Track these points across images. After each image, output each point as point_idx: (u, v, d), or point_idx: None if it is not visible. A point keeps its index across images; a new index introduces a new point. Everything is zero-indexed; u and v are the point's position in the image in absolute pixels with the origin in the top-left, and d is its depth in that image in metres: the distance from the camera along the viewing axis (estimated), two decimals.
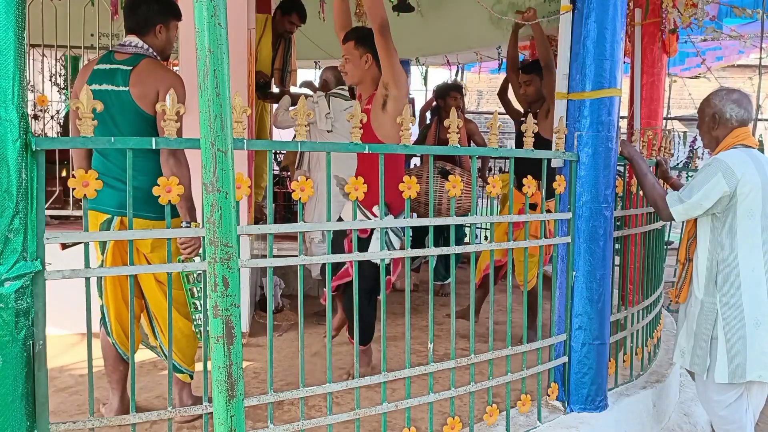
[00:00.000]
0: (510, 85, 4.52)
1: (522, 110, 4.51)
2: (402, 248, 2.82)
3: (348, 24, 3.16)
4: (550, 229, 2.73)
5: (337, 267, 2.99)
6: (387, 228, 2.84)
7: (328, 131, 4.18)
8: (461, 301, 4.32)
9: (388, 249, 2.82)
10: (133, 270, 1.89)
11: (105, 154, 2.47)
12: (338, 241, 3.00)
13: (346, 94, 4.33)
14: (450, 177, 2.30)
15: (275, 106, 4.72)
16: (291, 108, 4.65)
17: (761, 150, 2.58)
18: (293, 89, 5.37)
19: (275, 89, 5.18)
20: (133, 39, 2.54)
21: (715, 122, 2.54)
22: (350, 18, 3.18)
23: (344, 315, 3.30)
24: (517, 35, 4.50)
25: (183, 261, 2.43)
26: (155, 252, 2.50)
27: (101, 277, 2.50)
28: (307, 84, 6.22)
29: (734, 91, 2.58)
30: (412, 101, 5.91)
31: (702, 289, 2.51)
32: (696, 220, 2.55)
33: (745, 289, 2.40)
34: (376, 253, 2.25)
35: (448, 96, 4.87)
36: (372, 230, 2.89)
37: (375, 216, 2.84)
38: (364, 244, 2.86)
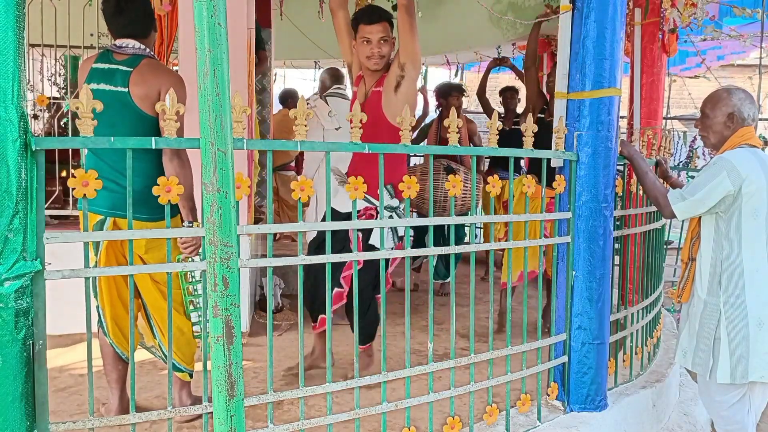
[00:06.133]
0: (524, 79, 4.51)
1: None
2: (402, 238, 2.78)
3: (346, 1, 2.98)
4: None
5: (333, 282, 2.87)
6: (392, 213, 2.75)
7: (336, 129, 4.17)
8: (461, 300, 4.33)
9: (393, 235, 2.77)
10: (132, 270, 1.89)
11: (98, 154, 2.45)
12: (339, 235, 2.75)
13: (345, 92, 4.34)
14: (450, 177, 2.30)
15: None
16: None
17: (764, 149, 2.57)
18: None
19: None
20: (130, 41, 2.52)
21: (733, 121, 2.49)
22: None
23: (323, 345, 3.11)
24: (540, 29, 4.45)
25: (183, 260, 2.43)
26: (150, 253, 2.49)
27: (96, 278, 2.50)
28: (289, 93, 6.39)
29: (742, 89, 2.56)
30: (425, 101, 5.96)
31: (705, 288, 2.50)
32: (699, 219, 2.55)
33: (748, 289, 2.40)
34: (377, 252, 2.25)
35: (450, 96, 4.89)
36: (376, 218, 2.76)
37: (376, 200, 2.74)
38: (366, 233, 2.76)
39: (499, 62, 5.49)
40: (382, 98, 2.81)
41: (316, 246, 2.87)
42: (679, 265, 2.71)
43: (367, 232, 2.79)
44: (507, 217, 2.65)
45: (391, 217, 2.77)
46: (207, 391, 1.98)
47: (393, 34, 2.86)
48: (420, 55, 2.81)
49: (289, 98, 6.43)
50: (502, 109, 5.24)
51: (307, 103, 4.23)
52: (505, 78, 9.12)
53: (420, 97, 5.83)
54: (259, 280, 4.57)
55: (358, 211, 2.64)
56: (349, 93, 4.37)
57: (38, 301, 1.64)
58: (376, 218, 2.75)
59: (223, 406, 1.35)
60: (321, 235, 2.77)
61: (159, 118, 2.43)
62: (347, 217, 2.50)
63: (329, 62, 7.99)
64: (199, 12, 1.27)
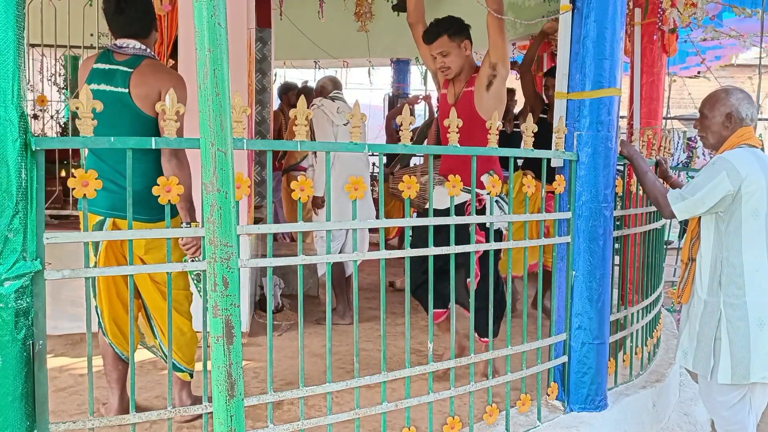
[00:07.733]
0: (521, 83, 4.56)
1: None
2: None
3: (423, 15, 3.12)
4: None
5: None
6: (498, 197, 2.70)
7: (344, 124, 4.19)
8: None
9: (501, 211, 2.86)
10: (131, 270, 1.89)
11: (99, 155, 2.45)
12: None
13: (343, 97, 4.39)
14: (450, 177, 2.30)
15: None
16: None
17: (763, 149, 2.57)
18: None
19: None
20: (131, 41, 2.51)
21: (731, 121, 2.49)
22: (424, 9, 3.14)
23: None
24: (543, 40, 4.52)
25: (188, 261, 2.43)
26: (150, 254, 2.49)
27: (95, 279, 2.50)
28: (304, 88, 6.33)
29: (740, 89, 2.56)
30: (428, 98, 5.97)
31: (705, 289, 2.50)
32: (699, 219, 2.54)
33: (749, 289, 2.39)
34: (380, 252, 2.24)
35: None
36: (482, 202, 2.79)
37: (483, 187, 2.74)
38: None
39: None
40: (475, 97, 2.94)
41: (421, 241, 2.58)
42: (679, 265, 2.70)
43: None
44: (507, 217, 2.65)
45: (497, 201, 2.77)
46: (207, 391, 1.98)
47: (459, 40, 3.04)
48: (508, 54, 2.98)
49: (293, 92, 6.34)
50: None
51: (314, 104, 4.26)
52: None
53: (423, 104, 5.85)
54: (259, 280, 4.57)
55: (463, 204, 2.75)
56: (347, 98, 4.42)
57: (38, 301, 1.64)
58: (481, 205, 2.80)
59: (223, 406, 1.35)
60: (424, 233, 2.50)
61: (159, 118, 2.42)
62: (445, 212, 2.46)
63: (329, 62, 8.00)
64: (199, 12, 1.27)
